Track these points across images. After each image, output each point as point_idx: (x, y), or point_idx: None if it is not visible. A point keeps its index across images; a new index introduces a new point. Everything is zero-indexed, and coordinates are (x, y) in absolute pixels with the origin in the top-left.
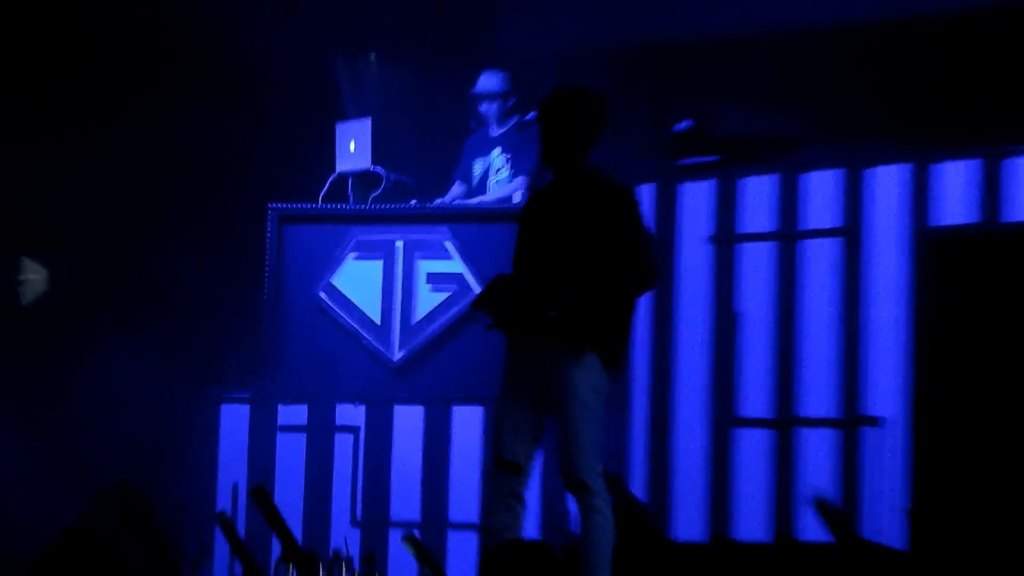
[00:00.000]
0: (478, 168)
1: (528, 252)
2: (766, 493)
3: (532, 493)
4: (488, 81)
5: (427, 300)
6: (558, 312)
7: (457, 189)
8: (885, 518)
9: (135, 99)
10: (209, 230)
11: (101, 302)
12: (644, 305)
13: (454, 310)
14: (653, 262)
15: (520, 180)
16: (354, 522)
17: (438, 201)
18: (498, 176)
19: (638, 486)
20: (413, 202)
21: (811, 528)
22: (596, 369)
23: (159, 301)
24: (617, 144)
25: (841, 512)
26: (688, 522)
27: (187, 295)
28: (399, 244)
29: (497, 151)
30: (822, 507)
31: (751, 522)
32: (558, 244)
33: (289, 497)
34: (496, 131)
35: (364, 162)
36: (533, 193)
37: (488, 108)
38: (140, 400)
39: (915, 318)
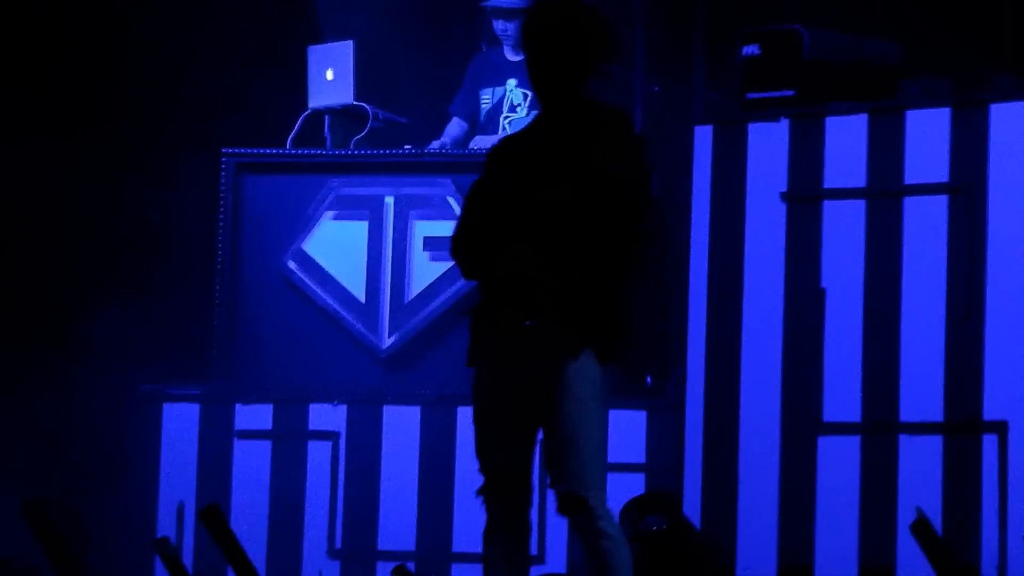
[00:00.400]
0: (487, 100)
1: (504, 216)
2: (858, 516)
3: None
4: None
5: (425, 271)
6: (550, 304)
7: (456, 128)
8: (1009, 546)
9: None
10: (145, 181)
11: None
12: (700, 280)
13: (459, 284)
14: (650, 226)
15: None
16: (332, 552)
17: (436, 144)
18: (515, 115)
19: (693, 508)
20: (408, 147)
21: (914, 559)
22: (590, 363)
23: (83, 275)
24: (666, 74)
25: (945, 538)
26: (759, 553)
27: (119, 267)
28: (389, 200)
29: (513, 83)
30: (923, 532)
31: (839, 552)
32: (546, 209)
33: (250, 520)
34: (514, 56)
35: (345, 96)
36: (507, 139)
37: (505, 27)
38: (63, 398)
39: None
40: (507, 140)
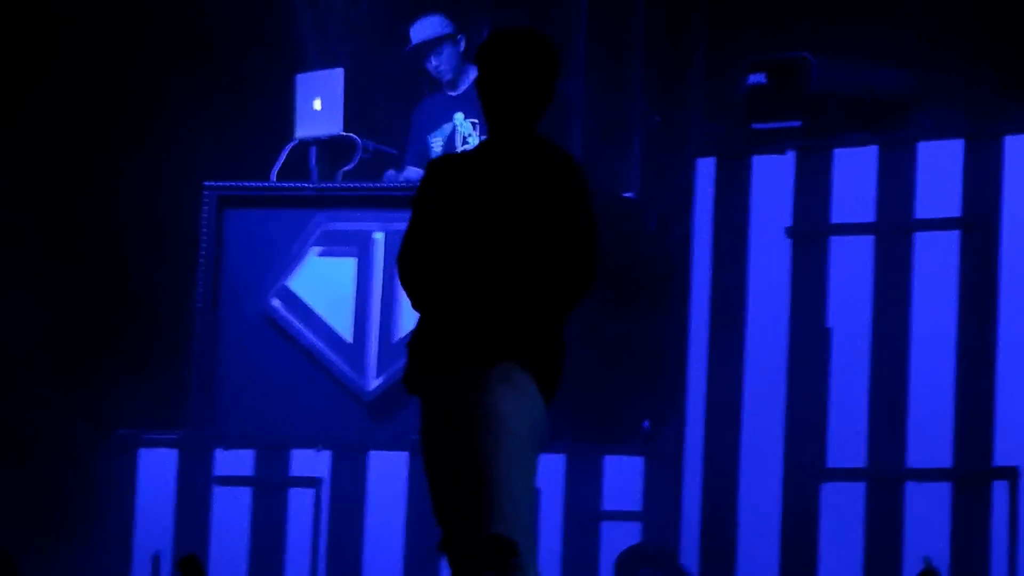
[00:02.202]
0: (438, 142)
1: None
2: (863, 568)
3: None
4: (423, 28)
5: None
6: (489, 323)
7: (414, 176)
8: None
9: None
10: (123, 215)
11: None
12: (701, 319)
13: None
14: (596, 259)
15: None
16: None
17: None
18: (469, 146)
19: (691, 559)
20: (394, 175)
21: None
22: (533, 397)
23: (56, 313)
24: (667, 102)
25: None
26: None
27: (94, 305)
28: (378, 236)
29: (460, 116)
30: None
31: None
32: (498, 233)
33: (229, 571)
34: (453, 91)
35: (333, 126)
36: (448, 156)
37: (437, 64)
38: (34, 444)
39: None
40: (450, 159)
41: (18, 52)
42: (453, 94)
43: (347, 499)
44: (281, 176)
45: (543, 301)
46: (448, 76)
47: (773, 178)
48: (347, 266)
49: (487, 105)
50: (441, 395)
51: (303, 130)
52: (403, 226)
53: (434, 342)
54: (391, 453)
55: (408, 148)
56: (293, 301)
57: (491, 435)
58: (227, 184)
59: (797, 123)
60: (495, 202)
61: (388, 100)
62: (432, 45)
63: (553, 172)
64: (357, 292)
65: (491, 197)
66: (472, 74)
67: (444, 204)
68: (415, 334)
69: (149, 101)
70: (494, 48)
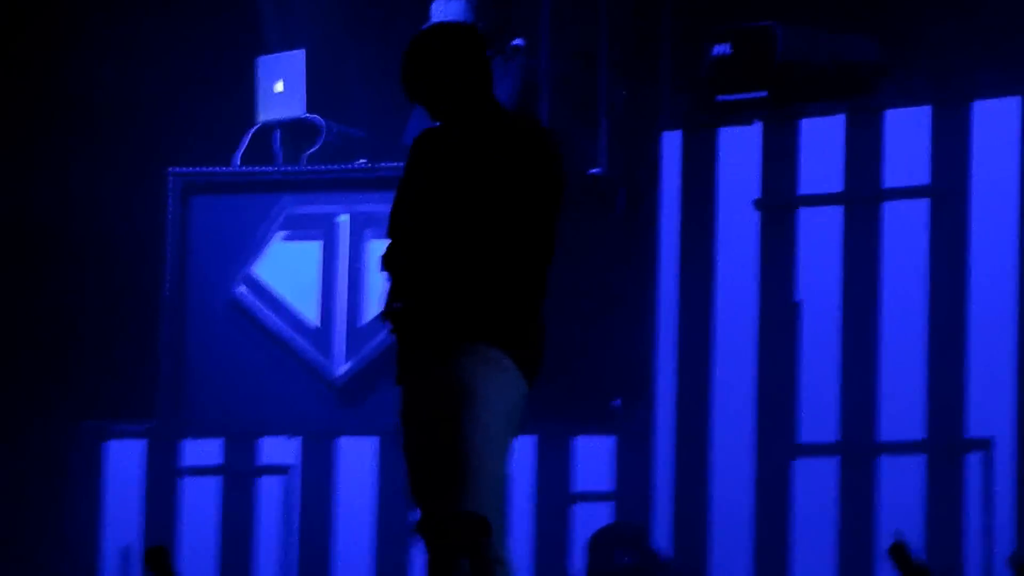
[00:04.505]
0: None
1: (418, 214)
2: (836, 542)
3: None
4: (443, 11)
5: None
6: (451, 297)
7: None
8: (994, 568)
9: None
10: (87, 203)
11: None
12: (670, 294)
13: None
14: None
15: None
16: None
17: None
18: None
19: (664, 538)
20: (362, 162)
21: None
22: (507, 373)
23: (20, 303)
24: (630, 77)
25: (923, 563)
26: None
27: (59, 295)
28: (343, 219)
29: None
30: (900, 557)
31: None
32: (458, 201)
33: (198, 561)
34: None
35: (296, 108)
36: (425, 133)
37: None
38: (1, 436)
39: None
40: (425, 137)
41: None
42: None
43: (317, 486)
44: (245, 160)
45: (519, 279)
46: None
47: (740, 150)
48: (312, 250)
49: (432, 98)
50: (421, 374)
51: (266, 113)
52: (369, 208)
53: (414, 321)
54: (361, 438)
55: (409, 123)
56: (259, 287)
57: (469, 415)
58: (191, 170)
59: (763, 93)
60: (463, 178)
61: (352, 82)
62: None
63: (519, 140)
64: (323, 276)
65: (458, 174)
66: None
67: (418, 184)
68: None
69: (110, 86)
70: (416, 49)
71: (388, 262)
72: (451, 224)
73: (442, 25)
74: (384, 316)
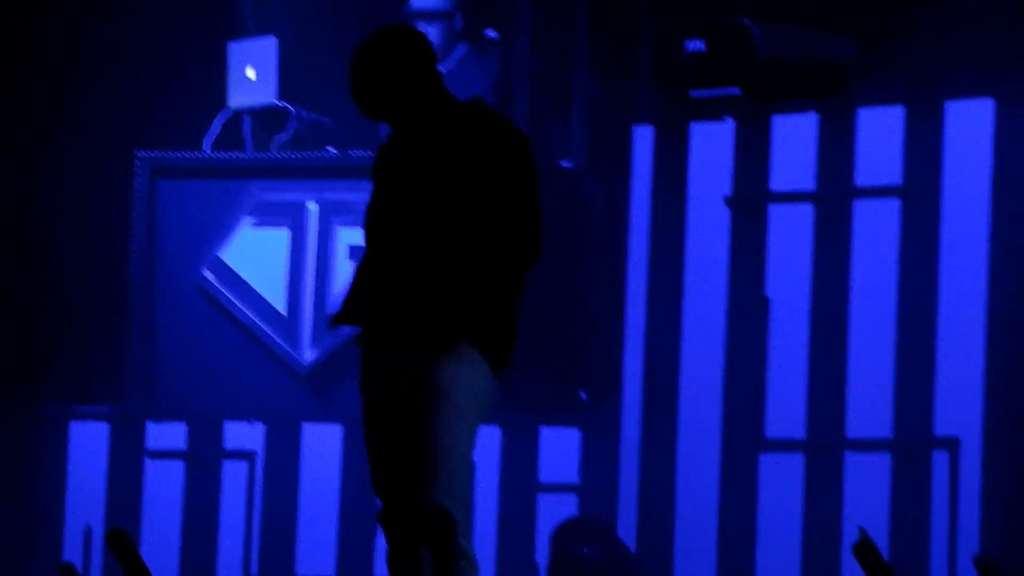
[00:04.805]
0: None
1: (380, 219)
2: (801, 538)
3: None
4: None
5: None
6: (421, 293)
7: None
8: (959, 567)
9: None
10: (53, 186)
11: None
12: (638, 289)
13: None
14: (538, 227)
15: None
16: None
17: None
18: None
19: (628, 531)
20: (331, 150)
21: None
22: (479, 371)
23: None
24: (606, 71)
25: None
26: None
27: (24, 275)
28: (312, 206)
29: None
30: (865, 554)
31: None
32: (418, 202)
33: (161, 544)
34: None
35: (267, 95)
36: (382, 145)
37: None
38: None
39: (1002, 308)
40: (382, 151)
41: None
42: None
43: (281, 472)
44: (215, 146)
45: (488, 274)
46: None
47: (712, 146)
48: (280, 237)
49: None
50: (387, 367)
51: (236, 100)
52: (338, 196)
53: (380, 315)
54: (325, 425)
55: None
56: (226, 273)
57: (435, 408)
58: (160, 154)
59: (736, 90)
60: (421, 176)
61: (325, 69)
62: (428, 16)
63: (478, 137)
64: (290, 263)
65: (417, 172)
66: (457, 54)
67: (377, 184)
68: (359, 303)
69: (79, 69)
70: (360, 55)
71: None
72: (418, 224)
73: (378, 33)
74: (333, 321)
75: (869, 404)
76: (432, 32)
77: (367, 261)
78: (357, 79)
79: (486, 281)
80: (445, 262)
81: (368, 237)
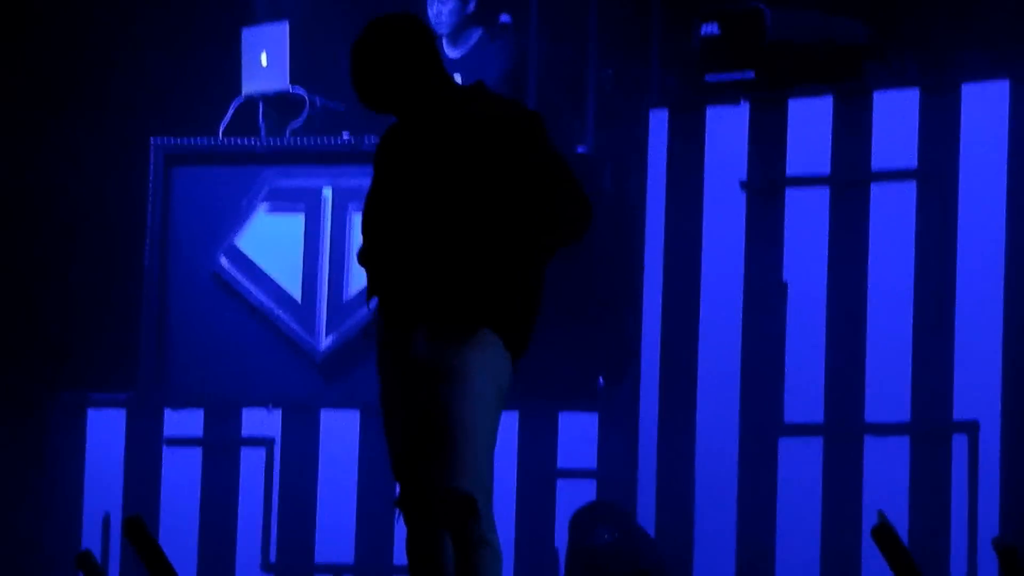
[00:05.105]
0: None
1: (393, 205)
2: (820, 523)
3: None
4: None
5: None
6: (445, 279)
7: None
8: (979, 551)
9: None
10: (68, 173)
11: None
12: (655, 274)
13: None
14: (583, 191)
15: None
16: (266, 566)
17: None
18: None
19: (648, 516)
20: (346, 135)
21: (878, 566)
22: (497, 354)
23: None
24: (618, 55)
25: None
26: (717, 563)
27: (41, 262)
28: (327, 192)
29: (456, 80)
30: (884, 538)
31: (800, 561)
32: (436, 186)
33: (179, 532)
34: (453, 52)
35: (280, 81)
36: (387, 131)
37: (438, 15)
38: None
39: (1020, 290)
40: (387, 133)
41: None
42: (452, 56)
43: (299, 458)
44: (229, 132)
45: (503, 258)
46: (444, 30)
47: (727, 130)
48: (296, 223)
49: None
50: (406, 350)
51: (250, 85)
52: (352, 182)
53: (397, 299)
54: (342, 411)
55: None
56: (241, 259)
57: (456, 392)
58: (174, 140)
59: (751, 74)
60: (434, 168)
61: (339, 54)
62: None
63: (493, 121)
64: (306, 249)
65: (427, 165)
66: (472, 38)
67: (384, 172)
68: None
69: (92, 55)
70: (363, 43)
71: (363, 257)
72: (430, 212)
73: (378, 22)
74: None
75: (887, 388)
76: (445, 16)
77: (369, 248)
78: (357, 75)
79: (513, 266)
80: (471, 248)
81: (373, 225)
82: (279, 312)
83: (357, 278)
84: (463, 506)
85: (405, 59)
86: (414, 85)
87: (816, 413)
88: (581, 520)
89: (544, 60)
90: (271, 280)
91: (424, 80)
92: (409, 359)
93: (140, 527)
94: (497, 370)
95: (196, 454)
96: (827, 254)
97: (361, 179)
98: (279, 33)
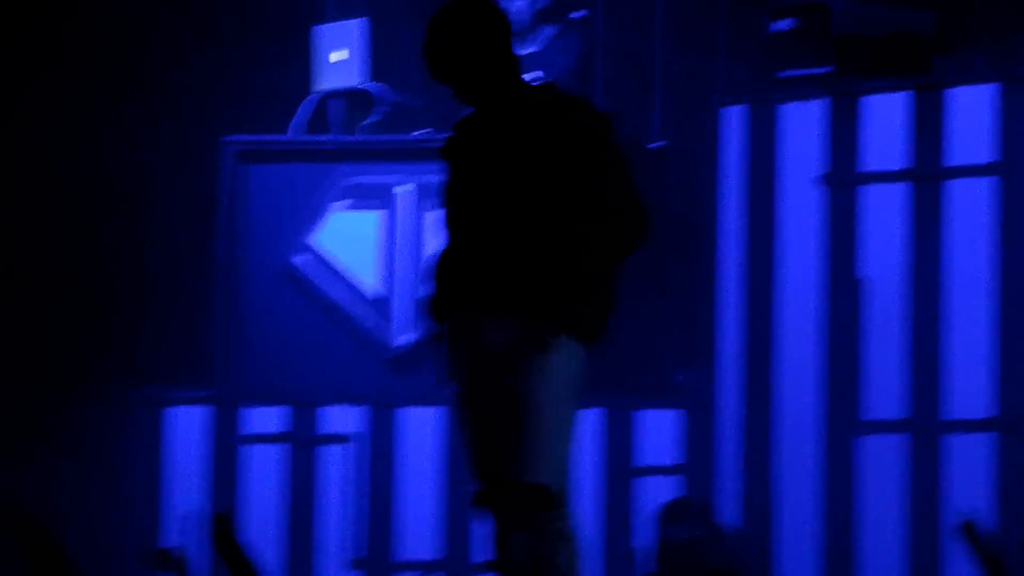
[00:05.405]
0: None
1: (463, 206)
2: (902, 521)
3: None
4: None
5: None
6: (523, 277)
7: None
8: None
9: None
10: (139, 172)
11: None
12: (731, 271)
13: None
14: (642, 204)
15: None
16: (348, 562)
17: None
18: None
19: (728, 513)
20: (420, 132)
21: (961, 566)
22: (575, 352)
23: (78, 274)
24: (692, 51)
25: (994, 543)
26: (798, 560)
27: (115, 263)
28: (401, 189)
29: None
30: (970, 537)
31: (882, 559)
32: (506, 180)
33: (260, 531)
34: (524, 48)
35: (353, 78)
36: (457, 124)
37: (514, 7)
38: (53, 406)
39: None
40: (457, 127)
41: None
42: (523, 52)
43: (378, 455)
44: (301, 130)
45: (591, 257)
46: (515, 27)
47: (801, 127)
48: (370, 220)
49: (457, 77)
50: (479, 343)
51: (322, 83)
52: (426, 179)
53: (471, 290)
54: (421, 409)
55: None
56: (316, 257)
57: (530, 385)
58: (245, 138)
59: (824, 69)
60: (504, 156)
61: (410, 50)
62: None
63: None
64: (380, 246)
65: (500, 152)
66: (544, 34)
67: (454, 170)
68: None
69: (165, 54)
70: (440, 22)
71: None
72: (502, 205)
73: (458, 3)
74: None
75: (966, 384)
76: (517, 11)
77: (456, 243)
78: (434, 50)
79: (589, 265)
80: (544, 241)
81: (456, 219)
82: (355, 309)
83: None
84: (540, 500)
85: (484, 40)
86: (489, 69)
87: (895, 410)
88: (664, 516)
89: (614, 55)
90: (346, 277)
91: (500, 67)
92: (482, 352)
93: (225, 525)
94: (573, 366)
95: (274, 452)
96: (904, 249)
97: (434, 176)
98: (353, 30)
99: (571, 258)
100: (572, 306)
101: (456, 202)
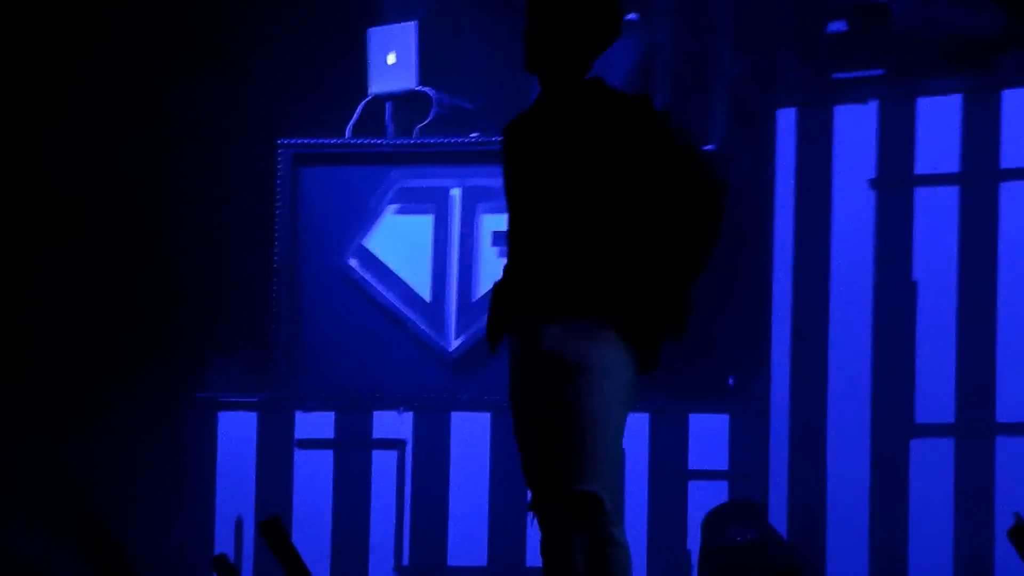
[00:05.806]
0: None
1: (530, 203)
2: (953, 524)
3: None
4: None
5: (493, 267)
6: (574, 274)
7: None
8: None
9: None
10: (196, 176)
11: (48, 279)
12: (784, 273)
13: None
14: (718, 173)
15: None
16: (399, 568)
17: None
18: None
19: (780, 517)
20: (474, 135)
21: (1013, 569)
22: (629, 358)
23: (134, 277)
24: (746, 52)
25: None
26: (849, 563)
27: (169, 266)
28: (455, 192)
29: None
30: (1021, 539)
31: (933, 563)
32: (570, 179)
33: (312, 534)
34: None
35: (407, 80)
36: (516, 118)
37: None
38: (110, 408)
39: None
40: (515, 122)
41: (88, 7)
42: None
43: (430, 460)
44: (356, 132)
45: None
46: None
47: (856, 128)
48: (424, 223)
49: (531, 47)
50: (538, 354)
51: (377, 85)
52: (481, 182)
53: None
54: (474, 414)
55: None
56: (371, 260)
57: (584, 390)
58: (302, 141)
59: (879, 71)
60: (561, 157)
61: (466, 53)
62: None
63: (620, 115)
64: (434, 250)
65: (555, 153)
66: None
67: (513, 169)
68: (503, 286)
69: (221, 58)
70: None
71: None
72: (559, 202)
73: None
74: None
75: (1020, 387)
76: None
77: (518, 248)
78: (539, 14)
79: (652, 271)
80: (607, 245)
81: (520, 217)
82: (409, 313)
83: (486, 277)
84: (592, 507)
85: (593, 19)
86: (583, 40)
87: (947, 413)
88: (715, 520)
89: (672, 56)
90: (400, 280)
91: (591, 44)
92: (537, 354)
93: (278, 528)
94: (626, 372)
95: (328, 456)
96: (957, 252)
97: (490, 179)
98: (407, 33)
99: (642, 256)
100: (631, 307)
101: (522, 199)
